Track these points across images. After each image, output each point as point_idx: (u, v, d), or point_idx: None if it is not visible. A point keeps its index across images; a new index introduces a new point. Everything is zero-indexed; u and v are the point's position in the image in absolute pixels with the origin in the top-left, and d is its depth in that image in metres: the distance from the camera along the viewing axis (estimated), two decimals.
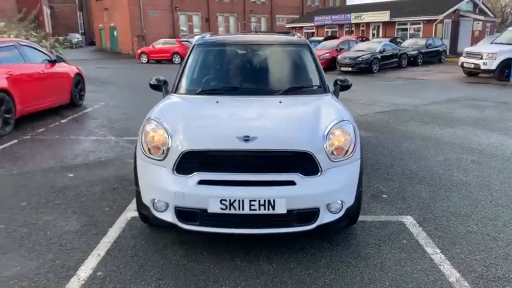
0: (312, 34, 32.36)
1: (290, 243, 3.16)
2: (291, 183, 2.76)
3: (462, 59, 16.45)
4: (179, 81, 3.87)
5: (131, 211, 3.75)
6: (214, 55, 4.15)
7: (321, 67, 4.04)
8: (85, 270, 2.82)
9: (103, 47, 42.06)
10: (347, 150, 2.95)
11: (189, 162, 2.80)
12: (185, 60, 4.05)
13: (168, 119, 3.07)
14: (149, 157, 2.95)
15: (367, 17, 28.41)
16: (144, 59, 27.18)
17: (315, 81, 3.89)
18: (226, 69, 4.04)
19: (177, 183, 2.79)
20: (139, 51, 28.14)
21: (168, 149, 2.86)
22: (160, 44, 27.30)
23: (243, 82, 3.83)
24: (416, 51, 21.71)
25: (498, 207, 3.86)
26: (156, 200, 2.91)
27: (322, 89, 3.81)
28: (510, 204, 3.93)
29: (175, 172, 2.83)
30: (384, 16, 27.50)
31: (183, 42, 27.24)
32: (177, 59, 26.11)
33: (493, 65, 14.86)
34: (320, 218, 2.84)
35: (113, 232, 3.36)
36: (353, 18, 29.07)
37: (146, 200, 2.98)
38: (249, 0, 43.88)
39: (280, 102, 3.39)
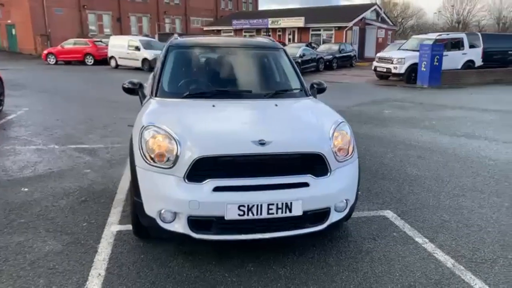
0: None
1: (292, 245, 3.19)
2: (305, 184, 2.80)
3: (375, 63, 17.95)
4: (160, 84, 3.67)
5: (114, 225, 3.48)
6: (194, 57, 4.01)
7: (298, 70, 4.15)
8: None
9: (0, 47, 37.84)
10: (348, 150, 3.07)
11: (202, 169, 2.69)
12: (161, 62, 3.86)
13: (167, 124, 2.91)
14: (154, 165, 2.77)
15: (284, 22, 29.51)
16: (51, 60, 24.98)
17: (296, 84, 3.98)
18: (209, 72, 3.93)
19: (190, 192, 2.67)
20: (45, 52, 25.77)
21: (176, 156, 2.72)
22: (70, 44, 25.31)
23: (230, 85, 3.76)
24: (331, 56, 23.09)
25: (457, 197, 4.31)
26: (163, 211, 2.74)
27: (303, 91, 3.91)
28: (465, 194, 4.41)
29: (186, 180, 2.70)
30: (300, 22, 28.81)
31: (96, 42, 25.64)
32: (90, 60, 24.52)
33: (402, 69, 16.46)
34: (330, 217, 2.92)
35: (104, 249, 3.09)
36: (270, 23, 29.98)
37: (150, 211, 2.79)
38: (162, 1, 42.80)
39: (276, 105, 3.40)
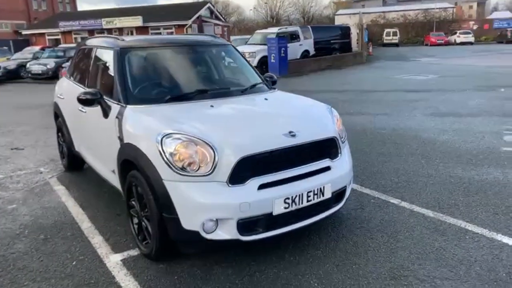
0: (58, 41, 29.21)
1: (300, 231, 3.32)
2: (328, 168, 2.98)
3: None
4: (128, 91, 3.28)
5: (111, 255, 3.04)
6: (155, 59, 3.65)
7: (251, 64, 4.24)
8: None
9: None
10: (343, 132, 3.36)
11: (243, 169, 2.61)
12: (118, 67, 3.42)
13: (186, 129, 2.69)
14: (187, 175, 2.56)
15: (120, 22, 27.89)
16: None
17: (257, 78, 4.05)
18: (179, 73, 3.62)
19: (238, 194, 2.57)
20: None
21: (214, 161, 2.56)
22: None
23: (206, 85, 3.62)
24: None
25: (387, 163, 5.05)
26: (205, 221, 2.56)
27: (266, 85, 4.02)
28: (391, 159, 5.21)
29: (229, 183, 2.58)
30: (137, 21, 27.68)
31: None
32: None
33: (254, 62, 17.61)
34: (346, 194, 3.18)
35: (127, 281, 2.69)
36: (105, 23, 27.98)
37: (191, 225, 2.57)
38: None
39: (266, 99, 3.44)
